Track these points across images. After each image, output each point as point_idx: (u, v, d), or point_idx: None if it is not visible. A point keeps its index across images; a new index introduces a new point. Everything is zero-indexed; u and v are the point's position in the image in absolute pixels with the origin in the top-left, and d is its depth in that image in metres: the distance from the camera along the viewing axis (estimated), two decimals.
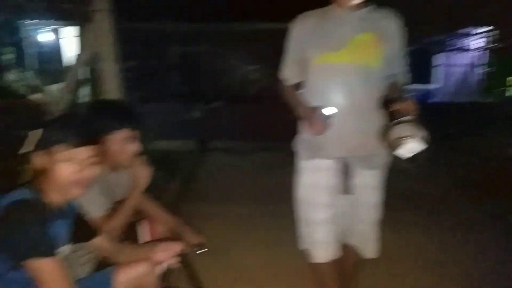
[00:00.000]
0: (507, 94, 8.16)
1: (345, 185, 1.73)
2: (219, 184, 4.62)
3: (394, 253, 2.81)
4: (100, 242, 1.46)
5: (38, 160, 1.24)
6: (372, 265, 2.54)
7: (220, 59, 9.98)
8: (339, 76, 1.63)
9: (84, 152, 1.24)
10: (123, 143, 1.61)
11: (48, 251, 1.14)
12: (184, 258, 1.42)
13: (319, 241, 1.78)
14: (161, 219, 1.97)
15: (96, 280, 1.43)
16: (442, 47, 8.29)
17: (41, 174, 1.25)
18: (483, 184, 4.14)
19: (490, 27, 7.44)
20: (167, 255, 1.45)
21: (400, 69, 1.72)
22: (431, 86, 9.81)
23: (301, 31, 1.69)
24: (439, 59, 9.38)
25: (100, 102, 1.78)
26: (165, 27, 9.08)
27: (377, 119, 1.67)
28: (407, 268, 2.57)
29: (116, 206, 1.73)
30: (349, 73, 1.62)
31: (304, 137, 1.79)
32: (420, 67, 9.58)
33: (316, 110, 1.59)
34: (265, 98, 9.28)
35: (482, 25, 7.60)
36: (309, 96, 1.72)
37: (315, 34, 1.64)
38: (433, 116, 6.66)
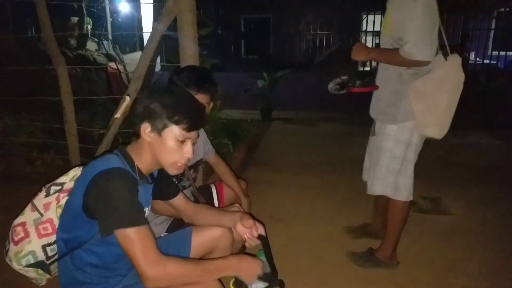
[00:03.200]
0: None
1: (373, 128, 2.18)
2: (282, 153, 4.68)
3: (463, 226, 2.74)
4: (179, 202, 1.53)
5: (145, 132, 1.23)
6: (447, 239, 2.52)
7: (288, 25, 9.83)
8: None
9: (194, 135, 1.25)
10: None
11: (139, 220, 1.12)
12: (264, 240, 1.41)
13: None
14: (229, 184, 2.08)
15: (175, 240, 1.52)
16: None
17: (141, 144, 1.26)
18: None
19: None
20: (250, 233, 1.44)
21: (407, 38, 1.81)
22: None
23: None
24: None
25: (182, 68, 1.87)
26: None
27: (391, 82, 1.98)
28: (480, 244, 2.47)
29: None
30: (382, 42, 2.03)
31: None
32: (509, 32, 8.60)
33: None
34: (332, 65, 9.08)
35: None
36: None
37: None
38: None
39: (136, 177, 1.23)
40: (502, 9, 7.20)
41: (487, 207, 3.03)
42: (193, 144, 1.28)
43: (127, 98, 1.27)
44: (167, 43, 4.09)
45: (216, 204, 2.03)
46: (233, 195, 2.08)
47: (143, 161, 1.27)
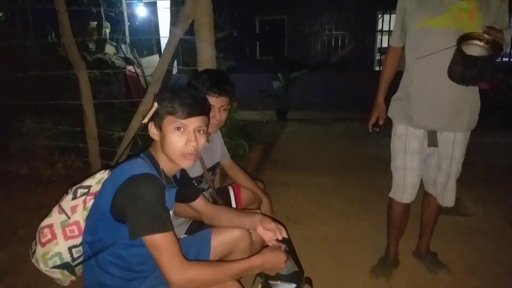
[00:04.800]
0: None
1: (431, 138, 1.91)
2: (298, 154, 4.69)
3: (486, 226, 2.70)
4: (199, 204, 1.55)
5: (152, 132, 1.29)
6: (468, 240, 2.48)
7: (303, 26, 9.81)
8: (436, 41, 1.70)
9: (193, 123, 1.25)
10: (216, 110, 1.72)
11: (166, 226, 1.15)
12: (287, 242, 1.42)
13: (405, 184, 2.00)
14: (246, 186, 2.09)
15: (196, 242, 1.54)
16: None
17: (155, 144, 1.30)
18: None
19: None
20: (271, 236, 1.45)
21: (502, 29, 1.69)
22: None
23: (406, 2, 1.83)
24: None
25: (201, 71, 1.90)
26: None
27: (469, 90, 1.77)
28: (500, 246, 2.43)
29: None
30: (445, 37, 1.68)
31: (399, 101, 1.96)
32: None
33: (380, 111, 1.99)
34: (347, 65, 9.04)
35: None
36: (407, 62, 1.87)
37: (418, 2, 1.77)
38: None
39: (163, 182, 1.25)
40: None
41: (507, 208, 2.98)
42: (198, 133, 1.27)
43: (155, 104, 1.29)
44: (184, 46, 4.13)
45: (234, 206, 2.05)
46: (251, 196, 2.09)
47: (163, 162, 1.30)
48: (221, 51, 3.45)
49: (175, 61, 5.66)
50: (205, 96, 1.47)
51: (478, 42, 1.60)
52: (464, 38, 1.60)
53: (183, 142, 1.24)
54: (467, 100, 1.80)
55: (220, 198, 1.99)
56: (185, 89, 1.33)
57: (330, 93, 8.22)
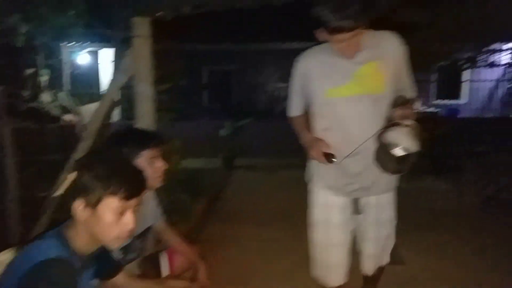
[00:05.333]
0: None
1: (354, 206, 1.79)
2: (244, 204, 4.63)
3: (421, 275, 2.78)
4: (121, 279, 1.43)
5: (78, 209, 1.11)
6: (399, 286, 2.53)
7: (250, 77, 10.17)
8: (347, 109, 1.65)
9: (134, 202, 1.14)
10: (149, 164, 1.62)
11: None
12: None
13: (330, 263, 1.82)
14: (181, 251, 1.98)
15: None
16: (471, 63, 8.14)
17: (77, 223, 1.14)
18: None
19: None
20: None
21: (406, 86, 1.72)
22: (460, 102, 9.63)
23: (306, 68, 1.72)
24: (469, 74, 9.21)
25: (117, 133, 1.81)
26: (198, 47, 9.37)
27: None
28: None
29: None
30: (357, 105, 1.63)
31: (317, 168, 1.82)
32: (449, 83, 9.45)
33: (319, 141, 1.69)
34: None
35: (509, 41, 7.45)
36: (318, 132, 1.75)
37: (320, 70, 1.67)
38: (462, 131, 6.58)
39: (76, 264, 1.12)
40: (442, 63, 7.93)
41: (441, 255, 3.11)
42: (135, 212, 1.17)
43: (75, 173, 1.16)
44: (126, 94, 4.06)
45: (164, 274, 1.92)
46: (187, 262, 1.98)
47: (82, 242, 1.14)
48: (165, 102, 3.43)
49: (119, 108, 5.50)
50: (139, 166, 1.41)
51: (397, 128, 1.55)
52: (384, 131, 1.56)
53: (121, 225, 1.13)
54: None
55: (151, 266, 1.86)
56: (125, 162, 1.23)
57: (277, 140, 8.40)
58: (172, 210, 3.37)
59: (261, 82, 10.29)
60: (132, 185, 1.13)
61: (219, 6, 4.84)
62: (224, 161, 7.09)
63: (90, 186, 1.09)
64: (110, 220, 1.11)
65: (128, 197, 1.12)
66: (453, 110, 9.24)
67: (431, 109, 8.84)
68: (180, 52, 9.37)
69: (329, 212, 1.78)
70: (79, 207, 1.11)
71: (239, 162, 7.22)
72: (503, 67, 8.54)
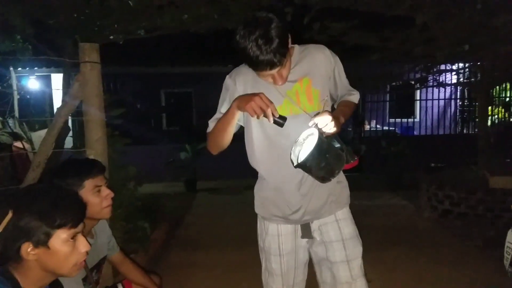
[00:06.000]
0: (488, 124, 8.37)
1: (304, 230, 1.64)
2: (207, 229, 4.53)
3: None
4: None
5: (28, 253, 1.08)
6: None
7: (210, 99, 10.14)
8: (282, 129, 1.44)
9: (81, 226, 1.16)
10: (94, 193, 1.57)
11: None
12: None
13: None
14: (138, 282, 1.91)
15: None
16: (421, 83, 8.58)
17: (27, 265, 1.10)
18: (469, 216, 4.19)
19: (468, 63, 7.78)
20: None
21: (345, 90, 1.65)
22: (414, 120, 10.08)
23: (237, 87, 1.57)
24: (421, 94, 9.70)
25: (56, 168, 1.73)
26: (154, 70, 9.30)
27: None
28: None
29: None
30: (292, 124, 1.47)
31: (264, 196, 1.67)
32: (403, 102, 9.90)
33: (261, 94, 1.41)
34: None
35: (461, 61, 7.95)
36: (254, 154, 1.62)
37: (253, 90, 1.51)
38: (416, 148, 6.85)
39: None
40: (394, 83, 8.32)
41: (402, 269, 3.16)
42: (84, 235, 1.19)
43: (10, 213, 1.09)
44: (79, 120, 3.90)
45: None
46: None
47: (33, 280, 1.11)
48: (119, 127, 3.33)
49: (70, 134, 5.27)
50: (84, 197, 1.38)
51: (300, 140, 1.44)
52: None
53: (76, 251, 1.14)
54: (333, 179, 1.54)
55: None
56: (60, 191, 1.20)
57: (239, 161, 8.37)
58: (131, 239, 3.25)
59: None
60: (76, 211, 1.15)
61: (173, 30, 4.85)
62: (186, 184, 6.96)
63: (34, 226, 1.07)
64: (66, 251, 1.11)
65: (75, 224, 1.13)
66: (408, 128, 9.64)
67: (387, 128, 9.20)
68: (135, 76, 9.30)
69: (281, 241, 1.66)
70: (27, 250, 1.08)
71: (202, 185, 7.11)
72: (452, 86, 9.06)
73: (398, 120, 9.15)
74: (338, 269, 1.64)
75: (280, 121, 1.39)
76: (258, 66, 1.37)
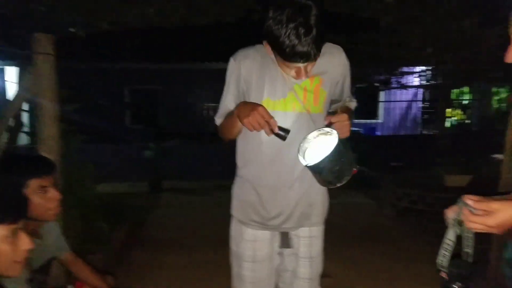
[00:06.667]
0: (446, 125, 8.76)
1: (284, 238, 1.58)
2: (172, 229, 4.45)
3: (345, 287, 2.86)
4: None
5: None
6: None
7: (177, 97, 9.99)
8: (282, 125, 1.35)
9: (21, 225, 1.10)
10: (38, 194, 1.48)
11: None
12: None
13: None
14: (91, 284, 1.84)
15: None
16: (385, 85, 8.86)
17: None
18: (426, 213, 4.35)
19: (428, 66, 8.08)
20: None
21: (347, 95, 1.59)
22: (377, 121, 10.39)
23: (246, 69, 1.45)
24: (384, 96, 10.01)
25: (3, 160, 1.65)
26: (118, 66, 9.05)
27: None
28: None
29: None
30: (294, 123, 1.42)
31: (244, 197, 1.59)
32: (366, 103, 10.18)
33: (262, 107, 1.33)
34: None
35: (421, 64, 8.27)
36: (247, 149, 1.53)
37: (260, 76, 1.44)
38: (378, 149, 7.06)
39: None
40: (358, 85, 8.52)
41: (363, 265, 3.25)
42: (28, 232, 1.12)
43: None
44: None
45: None
46: None
47: None
48: (79, 124, 3.21)
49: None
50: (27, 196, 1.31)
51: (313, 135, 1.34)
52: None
53: (18, 248, 1.08)
54: (319, 190, 1.55)
55: None
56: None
57: (207, 161, 8.32)
58: (88, 239, 3.13)
59: (189, 102, 10.17)
60: (15, 207, 1.10)
61: (138, 23, 4.72)
62: (150, 184, 6.81)
63: None
64: (5, 249, 1.06)
65: (15, 220, 1.07)
66: (372, 129, 9.94)
67: (352, 129, 9.42)
68: (100, 71, 9.01)
69: (257, 247, 1.57)
70: None
71: (167, 184, 6.98)
72: (414, 88, 9.41)
73: (362, 121, 9.40)
74: (299, 285, 1.62)
75: (282, 133, 1.31)
76: (292, 57, 1.25)
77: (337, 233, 3.93)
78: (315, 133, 1.33)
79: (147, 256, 3.52)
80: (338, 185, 1.37)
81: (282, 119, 1.40)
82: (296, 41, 1.20)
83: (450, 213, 1.00)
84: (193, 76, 9.84)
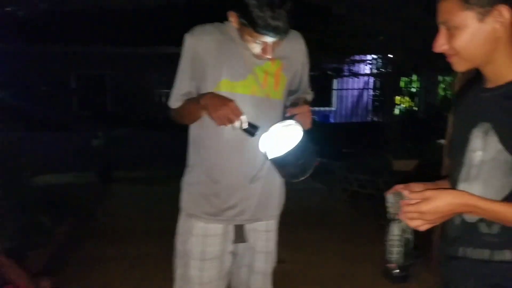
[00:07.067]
0: (395, 113, 9.13)
1: (238, 232, 1.47)
2: (122, 220, 4.28)
3: (296, 272, 2.89)
4: None
5: None
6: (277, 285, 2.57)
7: (128, 83, 9.58)
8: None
9: None
10: None
11: None
12: None
13: None
14: (22, 286, 1.73)
15: None
16: (337, 73, 9.04)
17: None
18: (375, 197, 4.51)
19: (379, 55, 8.33)
20: None
21: (305, 88, 1.53)
22: (330, 109, 10.63)
23: (201, 47, 1.35)
24: (337, 84, 10.23)
25: None
26: (65, 49, 8.51)
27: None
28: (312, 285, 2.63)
29: None
30: (253, 108, 1.33)
31: (196, 186, 1.46)
32: (320, 91, 10.35)
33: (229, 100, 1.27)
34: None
35: (372, 53, 8.50)
36: (204, 133, 1.42)
37: (217, 54, 1.34)
38: (331, 136, 7.22)
39: None
40: (312, 73, 8.61)
41: (312, 250, 3.31)
42: None
43: None
44: None
45: None
46: None
47: None
48: (18, 111, 2.96)
49: None
50: None
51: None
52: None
53: None
54: (277, 181, 1.49)
55: None
56: None
57: (162, 149, 8.08)
58: (28, 234, 2.93)
59: (141, 88, 9.79)
60: None
61: (84, 4, 4.43)
62: (100, 174, 6.51)
63: None
64: None
65: None
66: (326, 117, 10.15)
67: None
68: (40, 54, 8.42)
69: (207, 243, 1.44)
70: None
71: (118, 174, 6.71)
72: (366, 76, 9.69)
73: (317, 108, 9.56)
74: (256, 279, 1.55)
75: (251, 130, 1.26)
76: (263, 28, 1.18)
77: (290, 219, 3.93)
78: (278, 125, 1.27)
79: (94, 250, 3.38)
80: (301, 178, 1.32)
81: (241, 103, 1.29)
82: (269, 13, 1.15)
83: (390, 209, 0.99)
84: (145, 61, 9.47)
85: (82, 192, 5.15)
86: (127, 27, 8.41)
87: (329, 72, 8.92)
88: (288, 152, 1.22)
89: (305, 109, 1.30)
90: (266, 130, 1.27)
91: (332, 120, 10.05)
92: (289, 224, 3.74)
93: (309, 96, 1.53)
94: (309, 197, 5.02)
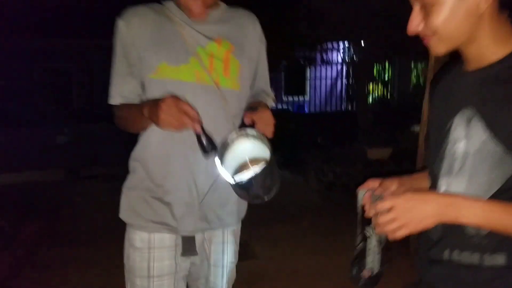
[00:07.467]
0: (368, 101, 9.15)
1: (187, 244, 1.24)
2: (88, 220, 4.08)
3: (272, 268, 2.81)
4: None
5: None
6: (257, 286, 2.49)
7: (95, 77, 9.20)
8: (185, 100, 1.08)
9: None
10: None
11: None
12: None
13: None
14: None
15: None
16: (309, 62, 8.95)
17: None
18: (350, 187, 4.48)
19: (352, 42, 8.28)
20: None
21: (263, 83, 1.34)
22: (304, 98, 10.58)
23: (133, 30, 1.17)
24: (310, 72, 10.16)
25: None
26: (27, 43, 8.05)
27: None
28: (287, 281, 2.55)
29: None
30: (200, 98, 1.13)
31: (138, 192, 1.26)
32: (293, 80, 10.27)
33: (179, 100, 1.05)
34: None
35: (344, 40, 8.45)
36: (146, 139, 1.25)
37: (153, 38, 1.16)
38: (305, 126, 7.16)
39: None
40: (286, 63, 8.49)
41: (287, 243, 3.25)
42: None
43: None
44: None
45: None
46: None
47: None
48: None
49: None
50: None
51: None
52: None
53: None
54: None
55: None
56: None
57: (131, 145, 7.83)
58: None
59: (108, 82, 9.45)
60: None
61: None
62: (66, 172, 6.23)
63: None
64: None
65: None
66: (301, 107, 10.08)
67: (281, 107, 9.49)
68: (2, 48, 7.95)
69: (152, 257, 1.22)
70: None
71: (86, 171, 6.43)
72: (339, 65, 9.66)
73: (291, 98, 9.48)
74: None
75: (207, 147, 1.05)
76: None
77: (263, 212, 3.87)
78: (233, 135, 1.08)
79: (59, 253, 3.20)
80: (266, 199, 1.16)
81: (183, 92, 1.11)
82: None
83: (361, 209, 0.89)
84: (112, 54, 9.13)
85: (48, 191, 4.90)
86: (94, 19, 8.04)
87: (301, 61, 8.81)
88: (256, 174, 1.04)
89: (267, 114, 1.12)
90: (220, 135, 1.09)
91: (306, 110, 10.00)
92: (262, 218, 3.69)
93: (270, 100, 1.32)
94: (283, 189, 4.92)
